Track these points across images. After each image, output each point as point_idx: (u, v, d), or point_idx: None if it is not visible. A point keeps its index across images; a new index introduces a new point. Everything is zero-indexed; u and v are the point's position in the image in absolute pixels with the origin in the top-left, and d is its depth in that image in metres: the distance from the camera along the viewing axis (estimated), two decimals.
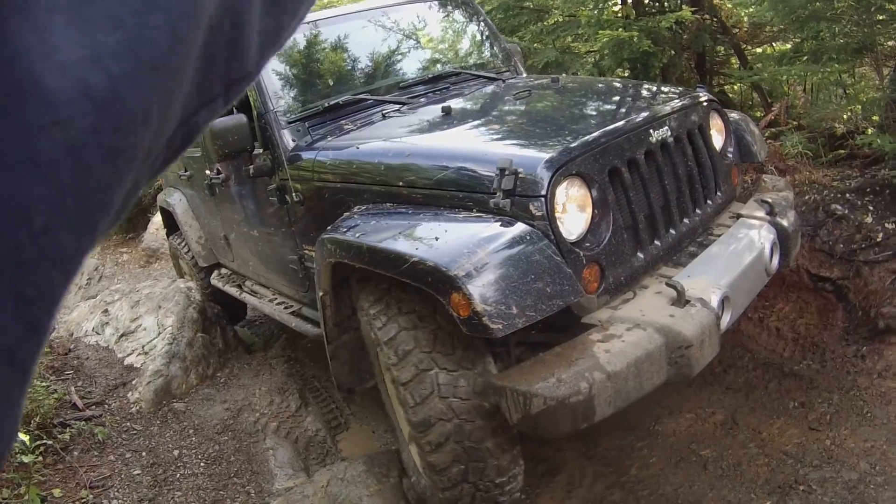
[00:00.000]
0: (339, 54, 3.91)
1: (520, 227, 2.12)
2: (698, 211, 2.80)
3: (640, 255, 2.45)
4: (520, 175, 2.18)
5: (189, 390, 4.65)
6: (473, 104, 3.38)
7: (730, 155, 3.12)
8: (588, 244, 2.27)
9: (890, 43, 4.07)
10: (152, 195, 10.13)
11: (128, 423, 4.17)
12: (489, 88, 3.65)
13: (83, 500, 3.40)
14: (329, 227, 2.68)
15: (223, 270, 5.38)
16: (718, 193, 2.94)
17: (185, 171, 5.09)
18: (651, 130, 2.59)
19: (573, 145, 2.34)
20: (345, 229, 2.55)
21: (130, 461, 3.83)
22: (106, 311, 5.48)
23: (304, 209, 3.25)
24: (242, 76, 0.40)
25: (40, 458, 3.56)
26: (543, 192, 2.16)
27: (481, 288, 1.92)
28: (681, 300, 2.18)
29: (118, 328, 5.21)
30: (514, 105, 3.19)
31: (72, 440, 3.84)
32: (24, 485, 3.27)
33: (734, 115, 3.36)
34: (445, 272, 1.97)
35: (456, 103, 3.25)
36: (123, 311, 5.39)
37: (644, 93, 3.31)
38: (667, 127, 2.66)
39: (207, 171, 4.40)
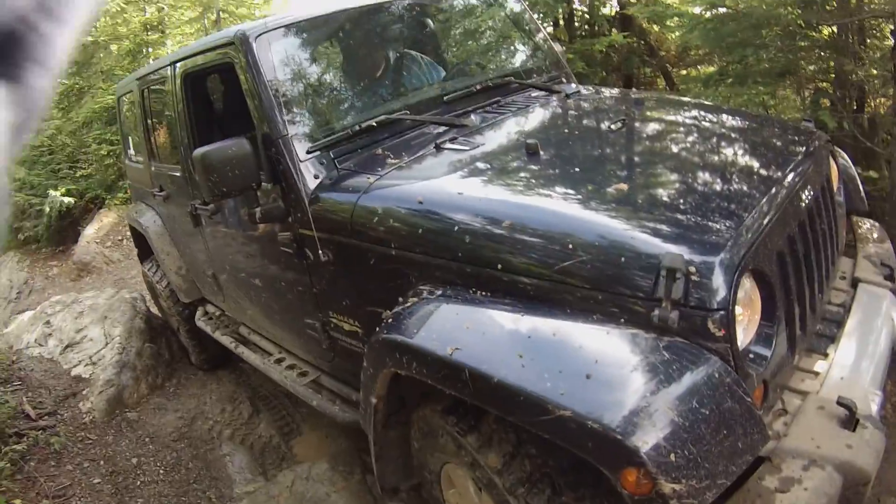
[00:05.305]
0: (360, 60, 3.21)
1: (702, 359, 1.52)
2: (826, 281, 2.21)
3: (791, 354, 1.90)
4: (692, 278, 1.56)
5: (141, 399, 4.60)
6: (557, 136, 2.57)
7: (843, 204, 2.60)
8: (753, 357, 1.74)
9: (811, 67, 4.42)
10: (82, 207, 9.82)
11: (82, 433, 4.09)
12: (555, 105, 2.93)
13: None
14: (389, 318, 1.95)
15: (210, 308, 4.54)
16: (836, 252, 2.37)
17: (160, 189, 4.17)
18: (801, 192, 2.03)
19: (747, 229, 1.73)
20: (417, 329, 1.82)
21: (89, 470, 3.77)
22: (48, 322, 5.34)
23: (335, 271, 2.48)
24: None
25: None
26: (726, 304, 1.56)
27: (669, 461, 1.34)
28: (852, 422, 1.71)
29: (62, 339, 5.09)
30: (615, 141, 2.42)
31: (28, 450, 3.76)
32: None
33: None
34: (621, 442, 1.35)
35: (531, 131, 2.64)
36: (67, 322, 5.27)
37: (761, 132, 2.56)
38: (809, 185, 2.10)
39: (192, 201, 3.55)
